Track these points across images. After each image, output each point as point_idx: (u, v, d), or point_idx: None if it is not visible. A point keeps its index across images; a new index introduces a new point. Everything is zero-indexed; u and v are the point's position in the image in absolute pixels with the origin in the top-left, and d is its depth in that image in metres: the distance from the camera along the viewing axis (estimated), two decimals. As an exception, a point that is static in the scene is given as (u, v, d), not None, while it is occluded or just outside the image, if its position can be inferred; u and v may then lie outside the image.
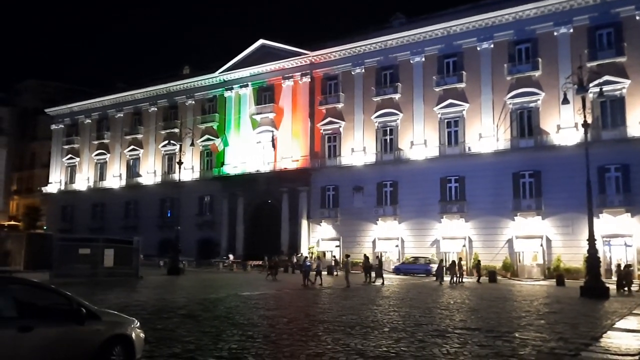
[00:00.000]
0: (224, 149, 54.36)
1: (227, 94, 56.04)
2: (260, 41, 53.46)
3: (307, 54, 50.82)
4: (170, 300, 17.82)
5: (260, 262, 43.62)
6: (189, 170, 56.20)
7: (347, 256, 31.63)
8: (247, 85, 54.71)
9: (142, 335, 7.49)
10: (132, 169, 62.57)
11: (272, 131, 52.42)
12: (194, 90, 59.05)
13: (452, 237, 42.00)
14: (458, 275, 30.92)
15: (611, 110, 37.79)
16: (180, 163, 40.54)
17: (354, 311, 15.30)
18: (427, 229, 43.18)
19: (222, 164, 54.37)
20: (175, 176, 45.98)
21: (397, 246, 44.44)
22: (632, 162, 35.97)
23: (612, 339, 10.63)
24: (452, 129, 43.82)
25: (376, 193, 45.94)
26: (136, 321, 7.58)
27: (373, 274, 30.96)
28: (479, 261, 36.98)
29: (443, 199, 42.84)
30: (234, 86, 55.46)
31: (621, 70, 37.31)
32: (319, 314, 14.75)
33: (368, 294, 22.02)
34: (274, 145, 52.00)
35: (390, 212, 44.95)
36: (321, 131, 50.17)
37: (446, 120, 44.07)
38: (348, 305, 17.34)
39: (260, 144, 53.02)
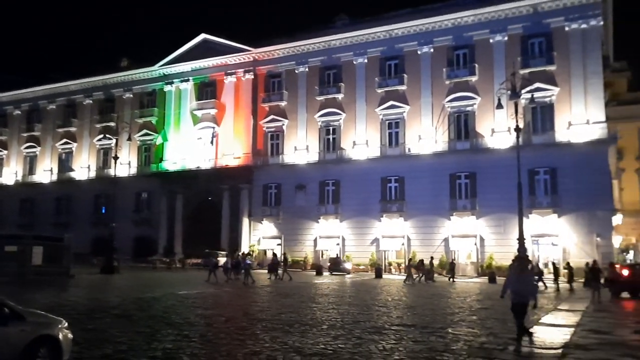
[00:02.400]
0: (163, 144, 53.01)
1: (167, 88, 54.68)
2: (202, 36, 52.51)
3: (250, 51, 50.38)
4: (103, 299, 17.21)
5: (200, 261, 42.86)
6: (126, 165, 54.46)
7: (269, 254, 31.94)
8: (188, 80, 53.61)
9: (70, 336, 7.20)
10: (65, 163, 59.90)
11: (214, 127, 51.61)
12: (132, 84, 57.24)
13: (392, 235, 42.81)
14: (421, 275, 31.81)
15: (541, 116, 39.65)
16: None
17: (294, 309, 15.31)
18: (367, 228, 43.82)
19: (161, 159, 53.01)
20: (111, 171, 44.53)
21: (338, 244, 44.86)
22: (560, 165, 37.89)
23: (539, 334, 11.15)
24: (393, 130, 44.68)
25: (318, 192, 46.18)
26: (64, 321, 7.28)
27: (280, 271, 31.62)
28: (421, 260, 37.48)
29: (383, 198, 43.61)
30: (174, 80, 54.20)
31: (551, 78, 39.22)
32: (257, 312, 14.66)
33: (308, 292, 22.09)
34: (215, 142, 51.21)
35: (332, 211, 45.31)
36: (264, 129, 49.88)
37: (387, 122, 44.88)
38: (287, 303, 17.34)
39: (201, 140, 52.08)
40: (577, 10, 38.75)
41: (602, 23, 38.77)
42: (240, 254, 35.86)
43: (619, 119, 43.69)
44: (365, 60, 45.96)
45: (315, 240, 45.70)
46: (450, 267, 33.62)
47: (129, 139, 47.68)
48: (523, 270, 9.93)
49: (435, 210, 41.20)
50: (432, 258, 35.64)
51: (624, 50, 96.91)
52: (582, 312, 15.52)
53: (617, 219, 39.91)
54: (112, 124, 52.55)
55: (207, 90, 52.97)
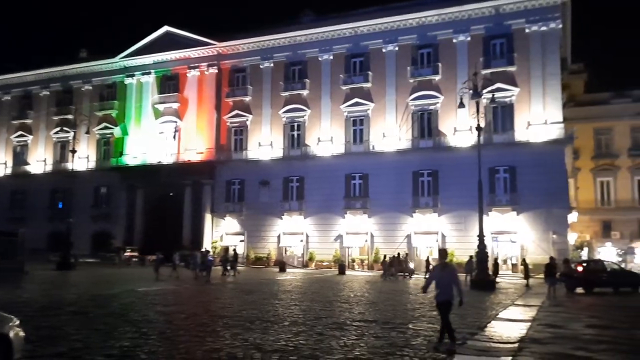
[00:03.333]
0: (123, 138, 51.84)
1: (128, 80, 53.47)
2: (165, 28, 51.55)
3: (214, 45, 49.74)
4: (58, 296, 16.69)
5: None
6: (84, 159, 53.08)
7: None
8: (150, 73, 52.54)
9: (21, 334, 6.91)
10: (20, 157, 57.97)
11: (176, 122, 50.78)
12: (92, 75, 55.75)
13: (356, 232, 43.05)
14: (395, 271, 31.96)
15: (502, 116, 40.52)
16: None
17: (255, 306, 15.18)
18: (331, 224, 43.93)
19: (121, 153, 51.85)
20: (69, 165, 43.22)
21: (301, 241, 44.81)
22: (519, 164, 38.83)
23: (496, 328, 11.36)
24: (358, 127, 44.89)
25: (282, 188, 46.03)
26: (15, 319, 6.98)
27: (229, 267, 31.47)
28: (397, 255, 37.29)
29: (347, 195, 43.79)
30: (135, 73, 53.04)
31: (511, 79, 40.11)
32: (219, 309, 14.48)
33: (271, 289, 21.97)
34: (177, 137, 50.38)
35: (296, 207, 45.23)
36: (228, 124, 49.37)
37: (352, 119, 45.06)
38: (250, 300, 17.19)
39: (162, 134, 51.17)
40: (538, 13, 39.71)
41: (561, 26, 39.86)
42: (203, 250, 35.47)
43: (575, 120, 45.04)
44: (331, 57, 46.00)
45: (278, 237, 45.56)
46: (392, 262, 33.67)
47: (88, 132, 46.40)
48: (446, 266, 9.10)
49: (399, 207, 41.62)
50: (406, 254, 36.07)
51: (581, 53, 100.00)
52: (538, 307, 15.92)
53: (572, 217, 41.18)
54: (70, 116, 51.10)
55: (170, 83, 52.05)
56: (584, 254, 42.65)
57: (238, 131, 49.23)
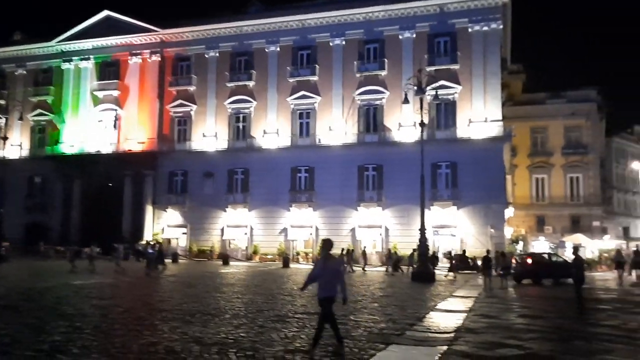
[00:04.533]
0: (59, 125, 49.67)
1: (65, 66, 51.23)
2: (105, 12, 49.70)
3: (157, 32, 48.41)
4: (-15, 291, 15.80)
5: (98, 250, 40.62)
6: (17, 147, 50.49)
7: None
8: (88, 59, 50.52)
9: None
10: (-55, 143, 54.40)
11: (116, 110, 49.14)
12: (26, 59, 53.03)
13: (301, 225, 43.11)
14: (352, 264, 32.04)
15: (444, 112, 41.56)
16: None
17: (196, 299, 14.91)
18: (276, 217, 43.80)
19: (57, 142, 49.69)
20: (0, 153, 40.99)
21: (246, 234, 44.46)
22: (460, 160, 39.97)
23: (434, 319, 11.64)
24: (304, 120, 44.89)
25: (227, 180, 45.48)
26: None
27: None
28: (351, 250, 37.09)
29: (293, 188, 43.76)
30: (73, 58, 50.88)
31: (454, 77, 41.15)
32: (158, 302, 14.13)
33: (213, 282, 21.67)
34: (117, 125, 48.76)
35: (241, 200, 44.80)
36: (171, 113, 48.22)
37: (299, 112, 45.00)
38: (190, 293, 16.88)
39: (102, 122, 49.43)
40: (480, 13, 40.88)
41: (501, 27, 41.22)
42: (145, 242, 34.74)
43: (513, 119, 46.84)
44: (278, 49, 45.70)
45: (222, 230, 45.03)
46: (346, 255, 34.04)
47: (21, 118, 44.14)
48: (328, 258, 7.95)
49: (344, 201, 41.98)
50: (364, 248, 36.48)
51: (520, 54, 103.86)
52: (474, 299, 16.43)
53: (509, 212, 42.85)
54: (2, 101, 48.52)
55: (110, 70, 50.24)
56: (520, 248, 44.47)
57: (182, 121, 48.19)
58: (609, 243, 50.36)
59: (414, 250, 28.59)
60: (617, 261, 26.10)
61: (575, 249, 14.98)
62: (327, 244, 8.02)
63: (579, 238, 46.19)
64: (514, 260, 27.37)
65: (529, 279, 25.60)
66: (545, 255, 28.97)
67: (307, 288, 8.29)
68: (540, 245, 47.02)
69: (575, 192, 52.20)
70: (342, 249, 34.63)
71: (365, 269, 33.70)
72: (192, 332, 9.40)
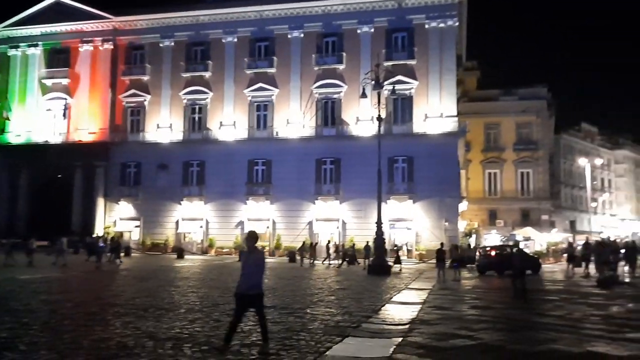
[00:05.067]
0: (5, 114, 47.58)
1: (11, 52, 49.09)
2: (56, -3, 47.79)
3: (109, 19, 46.97)
4: None
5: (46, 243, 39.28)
6: (-41, 136, 48.14)
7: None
8: (37, 45, 48.55)
9: None
10: None
11: (66, 99, 47.47)
12: (-30, 44, 50.51)
13: (257, 218, 42.85)
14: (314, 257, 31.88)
15: (401, 107, 42.05)
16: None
17: (150, 293, 14.61)
18: (232, 210, 43.40)
19: (2, 131, 47.60)
20: (-60, 142, 39.02)
21: (201, 227, 43.87)
22: (416, 155, 40.58)
23: (389, 311, 11.79)
24: (262, 113, 44.56)
25: (182, 172, 44.72)
26: None
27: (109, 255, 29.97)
28: (314, 243, 36.80)
29: (250, 181, 43.44)
30: (20, 44, 48.81)
31: (411, 72, 41.68)
32: (110, 297, 13.77)
33: (167, 276, 21.29)
34: (67, 115, 47.12)
35: (196, 192, 44.16)
36: (123, 103, 46.96)
37: (256, 104, 44.62)
38: (144, 287, 16.52)
39: (50, 111, 47.67)
40: (437, 10, 41.49)
41: (457, 24, 41.99)
42: (96, 235, 33.81)
43: (468, 114, 47.89)
44: (235, 40, 45.13)
45: (177, 223, 44.29)
46: (310, 248, 34.16)
47: (-37, 106, 42.15)
48: (252, 251, 7.59)
49: (301, 194, 41.97)
50: (330, 241, 36.41)
51: (474, 52, 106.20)
52: (428, 291, 16.75)
53: (463, 206, 43.84)
54: (-58, 88, 46.07)
55: (59, 57, 48.43)
56: (472, 241, 45.58)
57: (135, 111, 47.01)
58: (557, 236, 52.34)
59: (368, 242, 29.01)
60: (569, 254, 26.96)
61: (516, 243, 15.59)
62: (252, 235, 7.65)
63: (528, 231, 47.83)
64: (478, 253, 28.22)
65: (493, 271, 26.39)
66: (507, 248, 29.91)
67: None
68: (492, 238, 48.37)
69: (526, 187, 53.91)
70: (304, 242, 34.74)
71: (325, 262, 33.74)
72: (146, 327, 9.21)
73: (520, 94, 55.30)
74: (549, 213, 54.81)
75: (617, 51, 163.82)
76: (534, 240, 45.14)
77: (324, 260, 33.69)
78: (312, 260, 32.51)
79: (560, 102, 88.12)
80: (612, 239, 28.64)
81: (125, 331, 8.81)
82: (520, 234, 47.27)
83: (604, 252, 22.52)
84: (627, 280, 21.77)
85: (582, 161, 59.06)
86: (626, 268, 24.22)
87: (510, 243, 42.29)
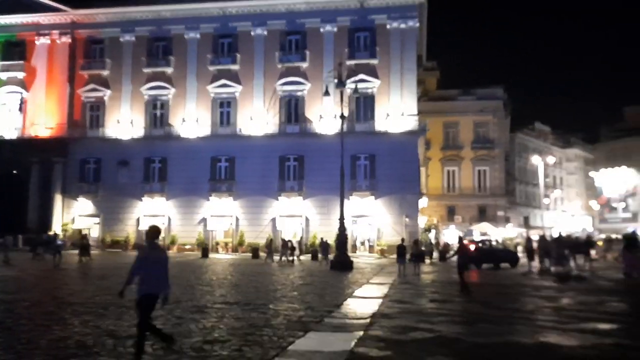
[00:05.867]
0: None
1: (-37, 43, 47.17)
2: (10, -12, 46.12)
3: (67, 11, 45.68)
4: None
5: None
6: None
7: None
8: (-9, 37, 46.83)
9: None
10: None
11: (21, 93, 45.95)
12: None
13: (221, 215, 42.57)
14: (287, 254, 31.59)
15: (364, 106, 42.45)
16: None
17: (110, 291, 14.39)
18: (195, 207, 42.97)
19: (-46, 125, 45.73)
20: None
21: (163, 224, 43.18)
22: (378, 152, 41.07)
23: (351, 306, 12.01)
24: (225, 110, 44.25)
25: (143, 169, 43.97)
26: None
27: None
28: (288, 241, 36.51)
29: (213, 177, 43.10)
30: (-27, 36, 46.95)
31: (373, 71, 42.11)
32: (68, 295, 13.54)
33: (127, 274, 20.96)
34: (23, 109, 45.64)
35: (158, 189, 43.53)
36: (82, 98, 45.81)
37: (219, 100, 44.27)
38: (104, 285, 16.28)
39: (5, 106, 46.07)
40: (398, 10, 42.03)
41: (418, 25, 42.63)
42: (53, 233, 32.96)
43: (428, 113, 48.73)
44: (198, 36, 44.64)
45: (138, 220, 43.53)
46: (282, 246, 34.11)
47: None
48: (153, 248, 6.93)
49: (264, 191, 41.90)
50: (301, 238, 36.45)
51: (434, 52, 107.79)
52: (389, 285, 17.08)
53: (423, 202, 44.63)
54: None
55: (15, 50, 46.83)
56: (432, 236, 46.50)
57: (94, 107, 45.94)
58: (512, 231, 53.97)
59: (322, 239, 29.55)
60: (528, 248, 27.76)
61: (460, 238, 16.26)
62: (153, 230, 6.99)
63: (485, 227, 49.11)
64: (454, 247, 29.18)
65: (473, 265, 27.31)
66: (486, 242, 31.13)
67: (130, 286, 6.80)
68: (451, 234, 49.46)
69: (483, 184, 55.32)
70: (284, 239, 34.45)
71: (289, 258, 33.66)
72: (106, 325, 9.15)
73: (478, 94, 56.65)
74: (505, 209, 56.42)
75: (569, 53, 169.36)
76: (490, 235, 46.35)
77: (283, 257, 33.71)
78: (282, 258, 32.37)
79: (516, 103, 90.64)
80: (564, 234, 29.59)
81: (84, 330, 8.74)
82: (477, 229, 48.54)
83: (561, 246, 23.33)
84: (583, 274, 22.57)
85: (536, 159, 60.86)
86: (580, 262, 25.08)
87: (488, 238, 43.47)
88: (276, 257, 31.54)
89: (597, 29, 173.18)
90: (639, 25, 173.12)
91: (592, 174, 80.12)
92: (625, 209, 70.45)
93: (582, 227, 73.25)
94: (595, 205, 78.31)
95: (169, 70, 44.69)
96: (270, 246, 32.63)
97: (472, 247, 28.62)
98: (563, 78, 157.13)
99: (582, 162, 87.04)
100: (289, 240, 32.64)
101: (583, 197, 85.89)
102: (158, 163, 44.08)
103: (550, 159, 70.99)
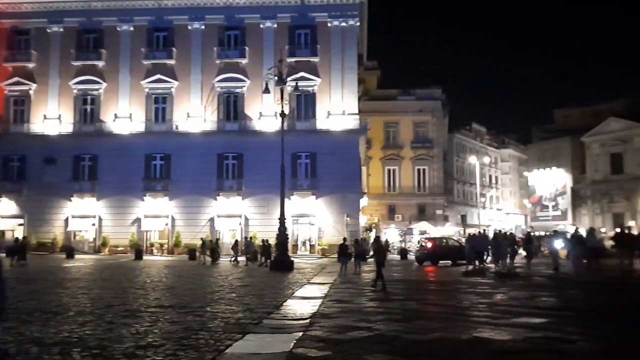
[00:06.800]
0: None
1: None
2: None
3: (-10, -1, 42.98)
4: None
5: None
6: None
7: None
8: None
9: None
10: None
11: (-63, 85, 42.84)
12: None
13: (155, 215, 41.35)
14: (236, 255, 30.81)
15: (305, 104, 42.42)
16: None
17: (35, 296, 13.53)
18: (128, 207, 41.52)
19: None
20: None
21: (94, 225, 41.50)
22: (319, 151, 41.13)
23: (291, 306, 11.81)
24: (160, 106, 42.99)
25: (72, 167, 42.02)
26: None
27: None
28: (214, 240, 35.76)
29: (147, 176, 41.77)
30: None
31: (314, 69, 42.14)
32: (-14, 302, 12.54)
33: (55, 277, 19.89)
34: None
35: (88, 188, 41.73)
36: (6, 92, 43.29)
37: (154, 96, 42.95)
38: (28, 289, 15.27)
39: None
40: (339, 9, 42.26)
41: (358, 24, 43.03)
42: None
43: (369, 113, 49.31)
44: (131, 29, 43.12)
45: (66, 220, 41.54)
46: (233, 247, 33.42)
47: None
48: None
49: (202, 190, 41.03)
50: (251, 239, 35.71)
51: (375, 52, 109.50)
52: (330, 285, 17.00)
53: (364, 201, 45.13)
54: None
55: None
56: (373, 235, 47.09)
57: (19, 101, 43.49)
58: (450, 229, 55.52)
59: (263, 240, 29.40)
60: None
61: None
62: None
63: (424, 225, 50.24)
64: (417, 244, 29.66)
65: (429, 261, 27.80)
66: (444, 240, 31.77)
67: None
68: (391, 233, 50.28)
69: (422, 183, 56.62)
70: (204, 239, 33.76)
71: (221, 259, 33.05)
72: (30, 332, 8.51)
73: (417, 94, 57.90)
74: (443, 208, 58.00)
75: (505, 55, 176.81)
76: (429, 233, 47.49)
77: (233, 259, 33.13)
78: (232, 259, 31.68)
79: (453, 103, 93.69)
80: (503, 231, 30.62)
81: (6, 337, 8.08)
82: (416, 228, 49.54)
83: (502, 244, 24.01)
84: (517, 270, 23.32)
85: (473, 159, 63.04)
86: (517, 259, 25.92)
87: (399, 237, 44.36)
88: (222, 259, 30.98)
89: (534, 32, 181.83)
90: (572, 32, 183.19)
91: (525, 173, 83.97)
92: (555, 207, 74.27)
93: (516, 224, 76.64)
94: (527, 203, 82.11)
95: (100, 63, 42.91)
96: (208, 246, 31.87)
97: (430, 244, 29.52)
98: (499, 80, 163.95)
99: (516, 162, 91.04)
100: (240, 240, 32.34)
101: (517, 196, 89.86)
102: (88, 161, 42.24)
103: (486, 159, 73.78)
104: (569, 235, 25.93)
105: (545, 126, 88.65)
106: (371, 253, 23.81)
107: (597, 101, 79.72)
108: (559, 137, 79.71)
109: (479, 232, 30.36)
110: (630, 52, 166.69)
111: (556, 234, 27.96)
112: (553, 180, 75.59)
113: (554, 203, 74.81)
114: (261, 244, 30.34)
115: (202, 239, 33.27)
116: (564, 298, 14.24)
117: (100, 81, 42.95)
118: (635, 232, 31.80)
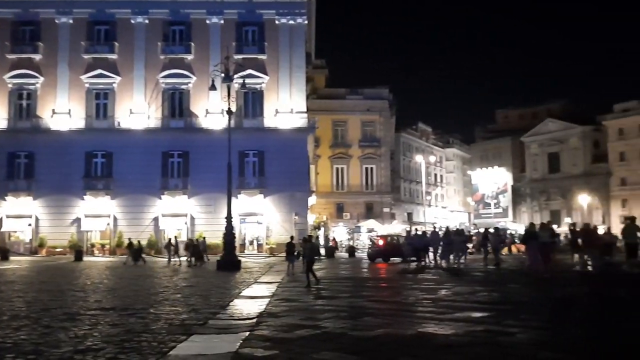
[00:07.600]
0: None
1: None
2: None
3: None
4: None
5: None
6: None
7: None
8: None
9: None
10: None
11: None
12: None
13: (97, 215, 40.01)
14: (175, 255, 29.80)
15: (252, 102, 42.09)
16: None
17: (-37, 302, 12.77)
18: (67, 207, 39.99)
19: None
20: None
21: (30, 225, 39.70)
22: (267, 149, 40.92)
23: (238, 306, 11.66)
24: (101, 101, 41.61)
25: (7, 165, 40.10)
26: None
27: None
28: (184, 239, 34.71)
29: (88, 174, 40.35)
30: None
31: (262, 67, 41.85)
32: None
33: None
34: None
35: (24, 187, 39.90)
36: None
37: (95, 91, 41.51)
38: (-45, 295, 14.41)
39: None
40: (286, 7, 42.17)
41: (306, 22, 43.07)
42: None
43: (317, 111, 49.51)
44: (70, 21, 41.51)
45: (0, 221, 39.57)
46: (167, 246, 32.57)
47: None
48: None
49: (146, 189, 40.03)
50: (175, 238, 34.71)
51: (323, 50, 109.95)
52: (277, 284, 16.93)
53: (312, 200, 45.25)
54: None
55: None
56: (321, 233, 47.29)
57: (-53, 95, 40.98)
58: (397, 227, 56.44)
59: (190, 239, 28.98)
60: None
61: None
62: None
63: (372, 223, 50.89)
64: (369, 242, 29.96)
65: (381, 259, 28.12)
66: (395, 237, 32.24)
67: None
68: (340, 231, 50.66)
69: (370, 182, 57.32)
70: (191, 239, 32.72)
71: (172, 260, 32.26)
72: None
73: (365, 93, 58.55)
74: (390, 206, 58.95)
75: (450, 56, 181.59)
76: (377, 231, 48.15)
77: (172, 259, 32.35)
78: (172, 260, 30.86)
79: (400, 103, 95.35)
80: (452, 228, 31.35)
81: None
82: (364, 225, 50.12)
83: (453, 240, 24.46)
84: (462, 267, 23.88)
85: (419, 158, 64.37)
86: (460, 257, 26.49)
87: (347, 235, 44.73)
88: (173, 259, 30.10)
89: (480, 33, 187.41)
90: (514, 35, 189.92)
91: (469, 172, 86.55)
92: (497, 205, 76.95)
93: (460, 222, 78.80)
94: (471, 201, 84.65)
95: (37, 57, 41.09)
96: (168, 246, 31.00)
97: (381, 242, 30.11)
98: (444, 80, 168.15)
99: (460, 161, 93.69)
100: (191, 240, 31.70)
101: (461, 194, 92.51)
102: (24, 158, 40.39)
103: (432, 158, 75.57)
104: (492, 230, 27.31)
105: (488, 126, 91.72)
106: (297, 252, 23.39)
107: (536, 103, 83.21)
108: (500, 137, 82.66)
109: (417, 231, 31.32)
110: (571, 53, 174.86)
111: (497, 231, 28.82)
112: (495, 179, 78.36)
113: (495, 201, 77.54)
114: (189, 242, 29.75)
115: (129, 239, 32.11)
116: (504, 292, 14.73)
117: (37, 75, 41.08)
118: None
